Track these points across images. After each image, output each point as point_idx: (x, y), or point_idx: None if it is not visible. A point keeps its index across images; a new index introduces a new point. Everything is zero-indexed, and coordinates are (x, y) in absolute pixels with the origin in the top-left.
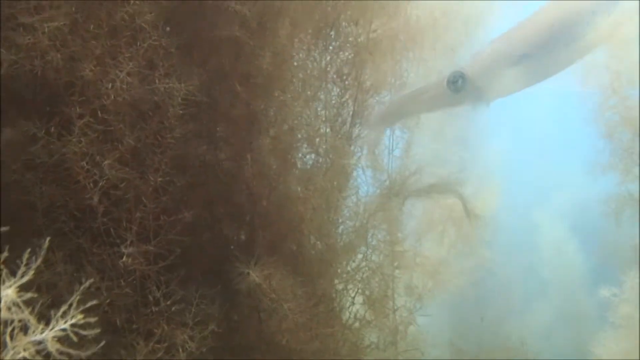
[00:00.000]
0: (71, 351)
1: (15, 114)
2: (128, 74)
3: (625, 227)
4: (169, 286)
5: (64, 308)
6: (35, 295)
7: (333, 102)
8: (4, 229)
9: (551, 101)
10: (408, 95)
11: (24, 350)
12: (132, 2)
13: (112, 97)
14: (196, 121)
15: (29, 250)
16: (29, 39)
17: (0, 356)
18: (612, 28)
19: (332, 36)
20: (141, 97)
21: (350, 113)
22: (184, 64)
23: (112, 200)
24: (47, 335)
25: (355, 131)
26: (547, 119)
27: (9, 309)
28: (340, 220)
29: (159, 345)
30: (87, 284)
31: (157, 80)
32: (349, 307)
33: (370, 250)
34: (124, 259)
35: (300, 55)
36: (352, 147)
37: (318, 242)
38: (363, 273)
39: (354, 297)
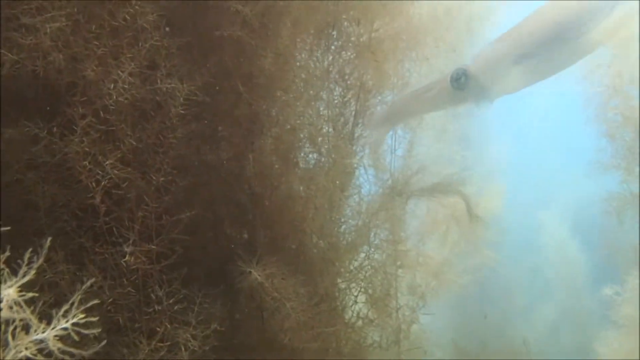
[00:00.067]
0: (73, 350)
1: (17, 114)
2: (130, 74)
3: (628, 226)
4: (172, 285)
5: (65, 307)
6: (37, 294)
7: (335, 101)
8: (5, 229)
9: (554, 101)
10: (411, 94)
11: (26, 349)
12: (134, 2)
13: (114, 97)
14: (198, 121)
15: (30, 250)
16: (31, 40)
17: (2, 355)
18: (614, 27)
19: (334, 36)
20: (143, 97)
21: (353, 113)
22: (186, 64)
23: (114, 200)
24: (49, 334)
25: (358, 131)
26: (550, 119)
27: (10, 308)
28: (342, 220)
29: (161, 344)
30: (88, 283)
31: (159, 81)
32: (351, 306)
33: (372, 250)
34: (127, 258)
35: (303, 55)
36: (354, 147)
37: (320, 241)
38: (366, 272)
39: (356, 296)
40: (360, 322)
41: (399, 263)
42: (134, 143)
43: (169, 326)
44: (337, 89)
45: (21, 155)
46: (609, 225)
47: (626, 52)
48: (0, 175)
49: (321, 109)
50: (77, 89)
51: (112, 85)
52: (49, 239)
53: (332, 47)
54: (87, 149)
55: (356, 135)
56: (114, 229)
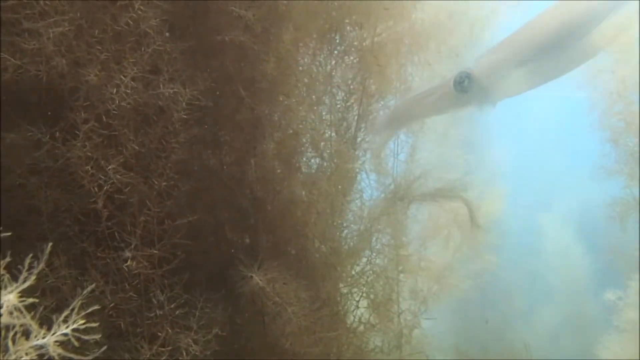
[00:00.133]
0: (73, 356)
1: (20, 118)
2: (132, 78)
3: (631, 231)
4: (173, 290)
5: (65, 313)
6: (37, 300)
7: (338, 106)
8: (5, 234)
9: (556, 105)
10: (413, 98)
11: (26, 354)
12: (136, 7)
13: (117, 101)
14: (201, 126)
15: (30, 255)
16: (34, 44)
17: None
18: (615, 31)
19: (337, 40)
20: (145, 102)
21: (355, 117)
22: (188, 68)
23: (116, 205)
24: (49, 340)
25: (360, 135)
26: (553, 123)
27: (10, 313)
28: (344, 224)
29: (162, 349)
30: (89, 289)
31: (161, 85)
32: (353, 311)
33: (374, 254)
34: (128, 262)
35: (305, 59)
36: (357, 151)
37: (322, 246)
38: (367, 277)
39: (358, 301)
40: (362, 327)
41: (400, 268)
42: (137, 148)
43: (170, 331)
44: (339, 93)
45: (24, 160)
46: (612, 230)
47: (628, 57)
48: (1, 180)
49: (324, 113)
50: (80, 94)
51: (114, 90)
52: (50, 244)
53: (335, 52)
54: (89, 154)
55: (359, 139)
56: (116, 233)
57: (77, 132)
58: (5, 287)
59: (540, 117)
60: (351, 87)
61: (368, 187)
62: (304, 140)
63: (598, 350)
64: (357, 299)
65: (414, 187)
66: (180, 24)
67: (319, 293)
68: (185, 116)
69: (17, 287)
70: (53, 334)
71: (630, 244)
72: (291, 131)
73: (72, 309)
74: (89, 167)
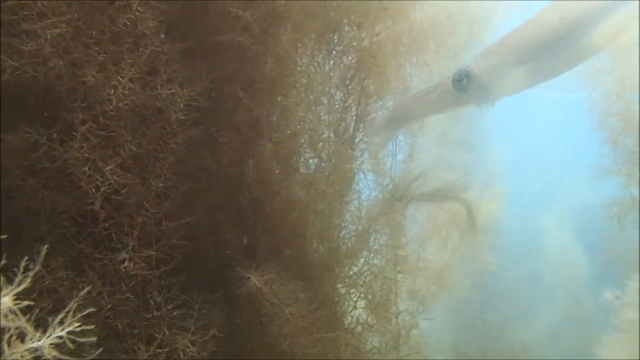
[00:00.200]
0: (69, 358)
1: (18, 120)
2: (130, 80)
3: (629, 231)
4: (171, 291)
5: (61, 315)
6: (33, 302)
7: (336, 106)
8: (2, 237)
9: (556, 105)
10: (413, 97)
11: (21, 357)
12: (134, 8)
13: (114, 103)
14: (198, 126)
15: (26, 258)
16: (32, 46)
17: None
18: (616, 31)
19: (335, 41)
20: (143, 103)
21: (354, 118)
22: (186, 69)
23: (113, 206)
24: (44, 342)
25: (359, 135)
26: (552, 123)
27: (5, 316)
28: (342, 225)
29: (160, 350)
30: (84, 291)
31: (159, 86)
32: (351, 312)
33: (372, 255)
34: (126, 264)
35: (304, 60)
36: (355, 152)
37: (320, 247)
38: (365, 277)
39: (356, 302)
40: (359, 328)
41: (398, 268)
42: (134, 149)
43: (167, 332)
44: (337, 94)
45: (21, 161)
46: (610, 230)
47: (627, 57)
48: (0, 181)
49: (322, 114)
50: (78, 95)
51: (112, 91)
52: (46, 246)
53: (334, 52)
54: (87, 155)
55: (357, 140)
56: (114, 235)
57: (75, 134)
58: (1, 290)
59: (540, 117)
60: (349, 87)
61: (366, 188)
62: (302, 140)
63: (597, 350)
64: (355, 299)
65: (412, 188)
66: (178, 25)
67: (316, 294)
68: (183, 117)
69: (12, 290)
70: (48, 336)
71: (628, 243)
72: (289, 132)
73: (68, 312)
74: (86, 169)
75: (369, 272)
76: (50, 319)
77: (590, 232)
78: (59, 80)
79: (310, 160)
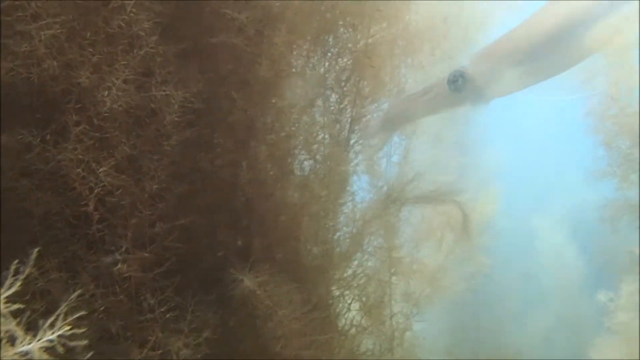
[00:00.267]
0: None
1: (11, 121)
2: (124, 81)
3: (623, 233)
4: (164, 293)
5: (51, 319)
6: (25, 305)
7: (331, 108)
8: None
9: (550, 107)
10: (408, 98)
11: None
12: (129, 10)
13: (108, 104)
14: (193, 128)
15: (16, 261)
16: (26, 47)
17: None
18: (610, 33)
19: (330, 42)
20: (138, 105)
21: (349, 119)
22: (181, 71)
23: (107, 207)
24: (34, 346)
25: (354, 137)
26: (547, 125)
27: None
28: (337, 227)
29: (153, 352)
30: (75, 294)
31: (153, 88)
32: (345, 314)
33: (366, 257)
34: (119, 266)
35: (299, 62)
36: (350, 154)
37: (314, 249)
38: (359, 279)
39: (350, 304)
40: (353, 330)
41: (393, 270)
42: (128, 150)
43: (160, 334)
44: (333, 95)
45: (15, 163)
46: (605, 232)
47: (622, 59)
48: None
49: (317, 115)
50: (72, 96)
51: (106, 93)
52: (38, 248)
53: (329, 54)
54: (80, 157)
55: (352, 142)
56: (107, 236)
57: (69, 135)
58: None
59: (534, 119)
60: (345, 89)
61: (361, 190)
62: (297, 142)
63: (590, 352)
64: (349, 301)
65: (407, 190)
66: (173, 27)
67: (310, 296)
68: (177, 119)
69: (2, 293)
70: (39, 340)
71: (623, 246)
72: (284, 133)
73: (58, 315)
74: (80, 170)
75: (363, 274)
76: (42, 322)
77: (585, 234)
78: (53, 82)
79: (305, 162)
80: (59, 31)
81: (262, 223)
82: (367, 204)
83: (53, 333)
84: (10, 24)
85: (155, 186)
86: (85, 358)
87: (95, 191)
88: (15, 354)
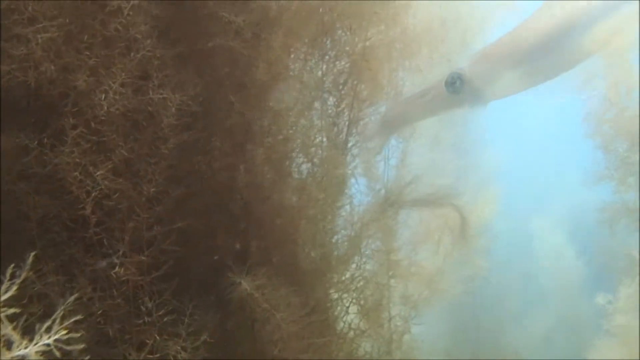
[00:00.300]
0: None
1: (8, 124)
2: (122, 84)
3: (621, 235)
4: (162, 296)
5: (47, 323)
6: (21, 309)
7: (329, 111)
8: None
9: (549, 110)
10: (406, 100)
11: None
12: (126, 13)
13: (106, 107)
14: (190, 131)
15: (12, 265)
16: (23, 50)
17: None
18: (610, 34)
19: (328, 45)
20: (135, 108)
21: (347, 122)
22: (178, 74)
23: (105, 211)
24: (31, 350)
25: (352, 140)
26: (545, 127)
27: None
28: (334, 230)
29: (151, 356)
30: (71, 298)
31: (151, 91)
32: (343, 317)
33: (364, 260)
34: (117, 269)
35: (296, 65)
36: (347, 157)
37: (312, 252)
38: (357, 282)
39: (348, 307)
40: (352, 333)
41: (391, 273)
42: (126, 154)
43: (158, 338)
44: (330, 98)
45: (12, 166)
46: (604, 235)
47: (621, 61)
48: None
49: (315, 118)
50: (69, 100)
51: (103, 96)
52: (35, 252)
53: (326, 57)
54: (77, 160)
55: (350, 145)
56: (105, 240)
57: (66, 138)
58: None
59: (533, 121)
60: (342, 92)
61: (359, 193)
62: (295, 145)
63: (589, 354)
64: (347, 305)
65: (405, 193)
66: (170, 30)
67: (308, 299)
68: (174, 122)
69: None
70: (35, 344)
71: (621, 248)
72: (281, 137)
73: (54, 320)
74: (77, 173)
75: (361, 277)
76: (39, 325)
77: (584, 236)
78: (50, 85)
79: (303, 165)
80: (56, 34)
81: (260, 226)
82: (365, 207)
83: (49, 337)
84: (8, 27)
85: (152, 189)
86: None
87: (93, 194)
88: (13, 358)
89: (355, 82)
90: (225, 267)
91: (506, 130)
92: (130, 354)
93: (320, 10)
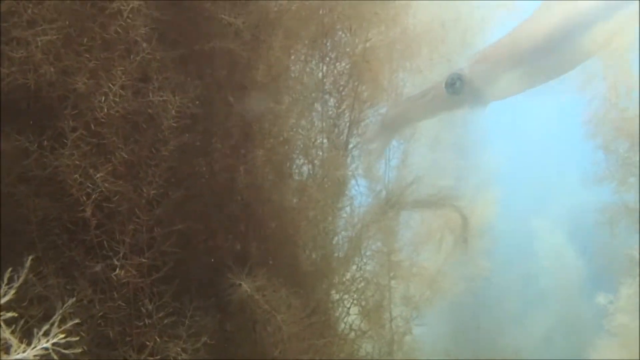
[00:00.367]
0: None
1: (9, 127)
2: (121, 87)
3: (622, 236)
4: (162, 298)
5: (45, 327)
6: (16, 314)
7: (330, 112)
8: None
9: (549, 110)
10: (406, 100)
11: None
12: (125, 16)
13: (105, 110)
14: (191, 133)
15: (10, 269)
16: (22, 53)
17: None
18: (610, 35)
19: (328, 47)
20: (135, 110)
21: (347, 124)
22: (178, 76)
23: (105, 213)
24: (29, 353)
25: (352, 141)
26: (545, 128)
27: None
28: (335, 231)
29: (151, 358)
30: (69, 302)
31: (150, 93)
32: (344, 318)
33: (365, 261)
34: (117, 271)
35: (297, 66)
36: (348, 158)
37: (313, 253)
38: (358, 283)
39: (349, 308)
40: (353, 334)
41: (392, 274)
42: (126, 156)
43: (159, 340)
44: (331, 99)
45: (12, 169)
46: (604, 235)
47: (621, 62)
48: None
49: (315, 120)
50: (68, 102)
51: (103, 98)
52: (33, 256)
53: (327, 58)
54: (77, 162)
55: (350, 146)
56: (105, 242)
57: (66, 141)
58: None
59: (533, 122)
60: (343, 93)
61: (359, 194)
62: (295, 147)
63: (590, 354)
64: (348, 306)
65: (406, 194)
66: (170, 32)
67: (309, 300)
68: (174, 124)
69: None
70: (33, 347)
71: (621, 248)
72: (282, 138)
73: (52, 323)
74: (77, 176)
75: (362, 278)
76: (38, 329)
77: (584, 236)
78: (50, 87)
79: (303, 167)
80: (55, 37)
81: (260, 228)
82: (365, 208)
83: (47, 341)
84: (7, 30)
85: (152, 191)
86: None
87: (93, 197)
88: None
89: (355, 83)
90: (226, 268)
91: (506, 130)
92: (130, 356)
93: (320, 11)
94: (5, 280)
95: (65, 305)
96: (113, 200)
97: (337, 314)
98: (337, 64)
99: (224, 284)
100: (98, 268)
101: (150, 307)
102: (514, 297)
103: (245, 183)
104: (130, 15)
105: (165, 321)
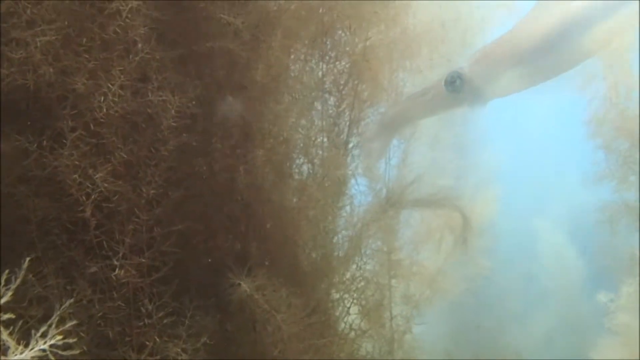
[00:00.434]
0: None
1: (8, 127)
2: (121, 87)
3: (622, 234)
4: (162, 298)
5: (43, 328)
6: (17, 315)
7: (330, 112)
8: None
9: (549, 109)
10: (406, 99)
11: None
12: (124, 16)
13: (105, 110)
14: (190, 133)
15: (7, 271)
16: (21, 53)
17: None
18: (611, 35)
19: (328, 46)
20: (134, 110)
21: (347, 123)
22: (177, 76)
23: (104, 213)
24: (27, 355)
25: (352, 141)
26: (546, 127)
27: None
28: (335, 230)
29: (151, 358)
30: (68, 303)
31: (150, 93)
32: (344, 317)
33: (365, 260)
34: (116, 271)
35: (297, 65)
36: (348, 157)
37: (313, 252)
38: (358, 283)
39: (349, 307)
40: (353, 333)
41: (392, 273)
42: (125, 156)
43: (158, 340)
44: (331, 99)
45: (12, 169)
46: (604, 234)
47: (621, 61)
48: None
49: (315, 119)
50: (68, 102)
51: (102, 98)
52: (32, 256)
53: (327, 57)
54: (77, 162)
55: (350, 145)
56: (105, 242)
57: (65, 141)
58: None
59: (534, 120)
60: (343, 92)
61: (360, 193)
62: (295, 146)
63: (591, 354)
64: (348, 305)
65: (406, 193)
66: (169, 32)
67: (309, 300)
68: (174, 124)
69: None
70: (31, 349)
71: (622, 247)
72: (281, 138)
73: (50, 324)
74: (76, 176)
75: (362, 278)
76: (37, 330)
77: (585, 235)
78: (49, 88)
79: (303, 166)
80: (54, 37)
81: (260, 227)
82: (365, 207)
83: (45, 342)
84: (6, 31)
85: (152, 191)
86: None
87: (92, 197)
88: None
89: (355, 83)
90: (225, 268)
91: (506, 129)
92: (130, 356)
93: (320, 10)
94: (3, 282)
95: (63, 306)
96: (112, 200)
97: (337, 314)
98: (337, 63)
99: (224, 284)
100: (94, 270)
101: (150, 307)
102: (515, 296)
103: (245, 183)
104: (129, 16)
105: (165, 321)
